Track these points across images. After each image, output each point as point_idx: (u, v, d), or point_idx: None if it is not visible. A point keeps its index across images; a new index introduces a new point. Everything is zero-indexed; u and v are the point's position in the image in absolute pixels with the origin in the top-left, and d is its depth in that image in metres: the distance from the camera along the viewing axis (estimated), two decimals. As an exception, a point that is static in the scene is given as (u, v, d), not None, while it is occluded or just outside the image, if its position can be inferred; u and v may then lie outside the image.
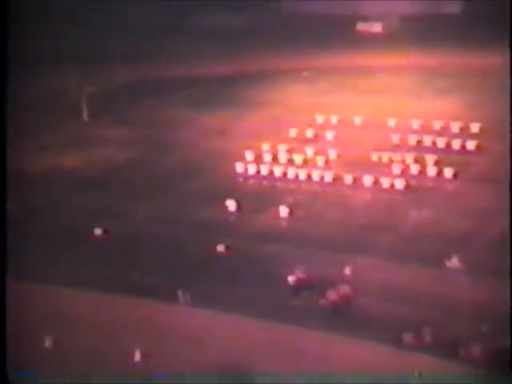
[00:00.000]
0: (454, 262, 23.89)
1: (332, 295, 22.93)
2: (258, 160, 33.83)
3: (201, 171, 33.56)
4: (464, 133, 33.94)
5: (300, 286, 23.45)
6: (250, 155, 34.25)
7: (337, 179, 31.20)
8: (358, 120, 37.10)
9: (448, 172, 30.45)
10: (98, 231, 28.23)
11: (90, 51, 49.51)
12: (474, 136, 33.45)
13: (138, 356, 20.66)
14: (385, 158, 32.37)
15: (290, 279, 23.67)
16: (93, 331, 22.06)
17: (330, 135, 35.81)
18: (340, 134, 35.77)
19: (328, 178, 31.50)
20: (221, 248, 26.57)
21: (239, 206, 29.54)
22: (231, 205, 29.65)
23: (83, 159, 35.76)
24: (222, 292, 23.75)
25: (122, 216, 29.53)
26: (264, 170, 32.90)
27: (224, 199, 29.78)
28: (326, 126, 36.86)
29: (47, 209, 30.37)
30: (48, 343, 21.43)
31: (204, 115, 40.44)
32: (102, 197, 31.31)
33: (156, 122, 40.15)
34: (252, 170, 33.11)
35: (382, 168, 31.48)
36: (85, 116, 40.92)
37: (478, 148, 32.49)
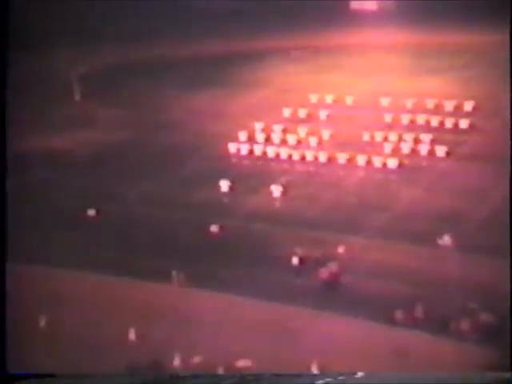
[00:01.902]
0: (446, 239, 24.12)
1: (323, 273, 23.15)
2: (251, 140, 33.83)
3: (193, 152, 33.50)
4: (457, 111, 33.97)
5: (303, 265, 23.64)
6: (243, 135, 34.24)
7: (330, 159, 31.26)
8: (350, 99, 37.02)
9: (440, 151, 30.53)
10: (91, 212, 28.26)
11: (81, 32, 48.94)
12: (467, 114, 33.49)
13: (132, 335, 20.87)
14: (378, 137, 32.40)
15: (295, 260, 23.80)
16: (86, 312, 22.22)
17: (323, 115, 35.78)
18: (333, 113, 35.74)
19: (321, 157, 31.55)
20: (214, 228, 26.69)
21: (232, 187, 29.61)
22: (224, 185, 29.71)
23: (75, 140, 35.60)
24: (216, 272, 23.93)
25: (115, 197, 29.54)
26: (257, 151, 32.92)
27: (217, 180, 29.81)
28: (319, 105, 36.79)
29: (39, 190, 30.32)
30: (42, 324, 21.59)
31: (196, 96, 40.21)
32: (94, 178, 31.26)
33: (148, 103, 39.89)
34: (245, 150, 33.12)
35: (375, 147, 31.53)
36: (76, 97, 40.59)
37: (471, 126, 32.56)
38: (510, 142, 28.62)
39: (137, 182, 30.65)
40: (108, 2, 54.30)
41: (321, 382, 19.17)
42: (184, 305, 22.43)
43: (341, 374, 19.80)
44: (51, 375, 20.07)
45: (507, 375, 18.89)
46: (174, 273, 23.61)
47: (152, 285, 23.32)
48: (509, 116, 32.86)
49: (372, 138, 32.45)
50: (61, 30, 46.78)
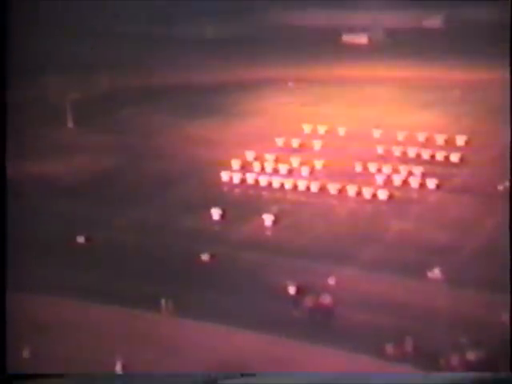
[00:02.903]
0: (436, 272, 24.04)
1: (314, 304, 22.94)
2: (244, 169, 33.90)
3: (186, 179, 33.48)
4: (448, 145, 34.32)
5: (294, 296, 23.41)
6: (235, 164, 34.32)
7: (322, 189, 31.34)
8: (343, 130, 37.36)
9: (431, 183, 30.72)
10: (80, 239, 27.99)
11: (76, 59, 49.36)
12: (458, 148, 33.84)
13: (119, 367, 20.45)
14: (369, 168, 32.59)
15: (288, 290, 23.56)
16: (75, 339, 21.80)
17: (316, 145, 36.02)
18: (326, 144, 35.99)
19: (313, 187, 31.62)
20: (205, 257, 26.49)
21: (224, 215, 29.51)
22: (216, 213, 29.63)
23: (67, 166, 35.50)
24: (206, 301, 23.63)
25: (106, 224, 29.31)
26: (249, 179, 32.97)
27: (209, 207, 29.70)
28: (312, 135, 37.07)
29: (30, 216, 30.05)
30: (26, 353, 21.07)
31: (190, 124, 40.45)
32: (85, 204, 31.06)
33: (140, 130, 40.07)
34: (237, 178, 33.17)
35: (367, 178, 31.67)
36: (69, 123, 40.71)
37: (462, 160, 32.86)
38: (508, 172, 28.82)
39: (127, 208, 30.50)
40: (102, 31, 55.00)
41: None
42: (172, 333, 22.07)
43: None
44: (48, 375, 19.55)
45: (507, 375, 18.67)
46: (162, 301, 23.29)
47: (140, 313, 22.95)
48: (499, 151, 33.30)
49: (364, 169, 32.66)
50: (55, 58, 47.18)
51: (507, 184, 29.39)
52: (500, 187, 29.37)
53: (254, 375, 19.59)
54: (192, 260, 26.24)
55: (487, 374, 18.76)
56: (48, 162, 35.92)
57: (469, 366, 19.64)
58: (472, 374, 18.82)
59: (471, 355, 19.87)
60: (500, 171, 30.68)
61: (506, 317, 21.30)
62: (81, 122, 40.65)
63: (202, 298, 23.79)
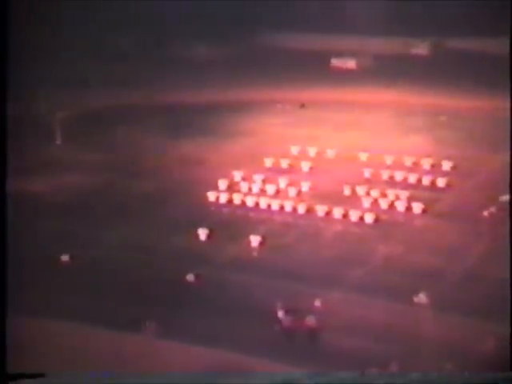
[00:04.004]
0: (422, 297, 24.04)
1: (300, 326, 22.78)
2: (231, 189, 33.86)
3: (173, 199, 33.32)
4: (435, 170, 34.64)
5: (281, 318, 23.20)
6: (222, 184, 34.29)
7: (309, 210, 31.38)
8: (331, 153, 37.61)
9: (417, 207, 30.90)
10: (64, 257, 27.61)
11: (66, 75, 49.33)
12: (444, 173, 34.17)
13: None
14: (357, 191, 32.74)
15: (275, 313, 23.31)
16: (57, 360, 21.33)
17: (305, 167, 36.16)
18: (313, 166, 36.16)
19: (300, 209, 31.65)
20: (190, 277, 26.25)
21: (210, 235, 29.36)
22: (203, 233, 29.46)
23: (55, 184, 35.19)
24: (191, 322, 23.35)
25: (91, 243, 28.96)
26: (237, 200, 32.92)
27: (195, 228, 29.53)
28: (300, 157, 37.25)
29: (15, 233, 29.63)
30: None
31: (178, 143, 40.41)
32: (72, 222, 30.71)
33: (128, 149, 39.92)
34: (224, 199, 33.10)
35: (354, 201, 31.80)
36: (58, 140, 40.48)
37: (448, 185, 33.15)
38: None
39: (113, 228, 30.20)
40: (93, 48, 55.12)
41: None
42: (156, 357, 21.71)
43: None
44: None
45: (507, 375, 18.50)
46: (146, 323, 22.95)
47: (123, 335, 22.57)
48: (484, 177, 33.70)
49: (351, 191, 32.79)
50: (44, 75, 47.12)
51: (493, 210, 29.67)
52: (485, 213, 29.62)
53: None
54: (177, 280, 25.96)
55: (487, 374, 18.56)
56: (35, 179, 35.60)
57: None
58: (472, 374, 18.66)
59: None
60: (485, 197, 31.01)
61: (490, 343, 21.31)
62: (69, 140, 40.44)
63: (186, 319, 23.49)
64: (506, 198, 30.42)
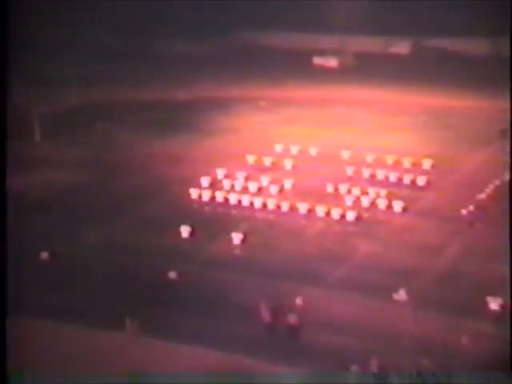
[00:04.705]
0: (402, 294, 24.29)
1: (281, 323, 22.87)
2: (213, 186, 33.81)
3: (154, 196, 33.12)
4: (415, 168, 34.97)
5: (263, 315, 23.24)
6: (205, 181, 34.20)
7: (291, 208, 31.46)
8: (313, 151, 37.74)
9: (397, 206, 31.19)
10: (44, 255, 27.30)
11: (44, 72, 48.69)
12: (424, 172, 34.51)
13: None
14: (339, 189, 32.90)
15: (259, 309, 23.29)
16: (38, 359, 21.11)
17: (288, 164, 36.25)
18: (296, 164, 36.25)
19: (282, 207, 31.70)
20: (173, 275, 26.16)
21: (193, 233, 29.27)
22: (185, 231, 29.36)
23: (34, 181, 34.75)
24: (173, 319, 23.27)
25: (71, 240, 28.67)
26: (219, 197, 32.87)
27: (178, 225, 29.41)
28: (283, 155, 37.31)
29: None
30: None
31: (160, 140, 40.20)
32: (51, 220, 30.39)
33: (109, 146, 39.59)
34: (206, 196, 33.03)
35: (336, 199, 31.97)
36: (36, 137, 39.93)
37: (428, 183, 33.49)
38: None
39: (94, 225, 29.90)
40: (71, 45, 54.35)
41: None
42: (137, 354, 21.61)
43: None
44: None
45: (507, 375, 18.77)
46: (128, 320, 22.82)
47: (104, 333, 22.42)
48: (463, 176, 34.14)
49: (333, 189, 32.95)
50: (23, 71, 46.40)
51: (471, 208, 30.08)
52: (464, 211, 30.02)
53: None
54: (160, 278, 25.84)
55: (487, 374, 18.78)
56: (14, 176, 35.01)
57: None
58: (471, 374, 18.85)
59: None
60: (464, 196, 31.42)
61: (466, 340, 21.61)
62: (48, 136, 39.93)
63: (168, 317, 23.41)
64: (483, 196, 30.87)
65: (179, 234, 29.23)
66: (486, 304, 23.35)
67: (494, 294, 23.55)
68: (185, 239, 29.11)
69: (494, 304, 23.23)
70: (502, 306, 22.80)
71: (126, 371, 20.25)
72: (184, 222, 29.55)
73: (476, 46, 55.02)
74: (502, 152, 36.16)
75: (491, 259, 26.24)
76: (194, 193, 33.03)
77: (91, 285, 25.33)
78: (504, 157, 35.15)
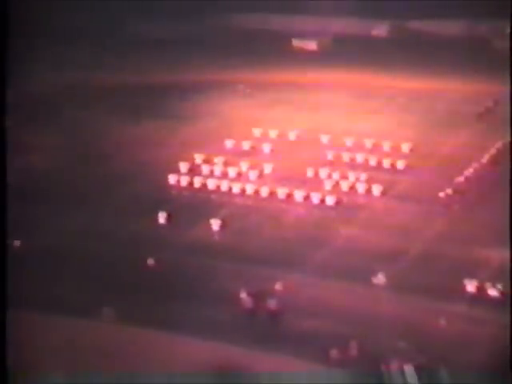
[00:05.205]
0: (381, 278, 24.52)
1: (261, 309, 22.93)
2: (192, 172, 33.56)
3: (132, 182, 32.76)
4: (394, 152, 35.12)
5: (242, 301, 23.24)
6: (183, 166, 33.93)
7: (270, 193, 31.41)
8: (292, 135, 37.64)
9: (376, 189, 31.33)
10: (16, 243, 26.85)
11: (17, 56, 47.46)
12: (403, 155, 34.68)
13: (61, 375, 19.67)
14: (318, 173, 32.90)
15: (238, 295, 23.26)
16: (11, 351, 20.82)
17: (266, 148, 36.12)
18: (275, 148, 36.14)
19: (262, 192, 31.63)
20: (151, 262, 26.01)
21: (171, 219, 29.09)
22: (162, 217, 29.15)
23: (5, 167, 33.97)
24: (151, 307, 23.17)
25: (45, 228, 28.29)
26: (197, 183, 32.66)
27: (155, 211, 29.18)
28: (262, 139, 37.16)
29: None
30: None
31: (138, 125, 39.69)
32: (23, 207, 29.87)
33: (86, 131, 38.94)
34: (185, 181, 32.78)
35: (316, 183, 32.00)
36: (8, 122, 38.96)
37: (407, 167, 33.67)
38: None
39: (69, 212, 29.49)
40: (45, 27, 53.07)
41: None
42: (116, 343, 21.47)
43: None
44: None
45: (507, 375, 18.97)
46: (105, 309, 22.63)
47: (81, 321, 22.20)
48: (441, 159, 34.40)
49: (312, 174, 32.96)
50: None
51: (449, 191, 30.36)
52: (441, 194, 30.29)
53: None
54: (137, 265, 25.67)
55: (487, 374, 19.00)
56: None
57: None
58: (471, 374, 19.08)
59: (413, 360, 20.31)
60: (442, 179, 31.70)
61: (444, 322, 21.93)
62: (20, 123, 39.09)
63: (146, 304, 23.29)
64: (461, 179, 31.18)
65: (157, 220, 29.00)
66: (463, 286, 23.67)
67: (472, 276, 23.88)
68: (162, 225, 28.91)
69: (470, 286, 23.55)
70: (502, 294, 22.89)
71: (122, 369, 20.03)
72: (162, 208, 29.34)
73: (455, 28, 55.18)
74: (479, 135, 36.54)
75: (469, 242, 26.59)
76: (172, 178, 32.76)
77: (66, 273, 25.04)
78: (481, 140, 35.53)
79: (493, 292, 23.03)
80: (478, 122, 38.55)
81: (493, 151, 33.85)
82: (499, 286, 22.96)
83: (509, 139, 34.70)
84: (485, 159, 33.05)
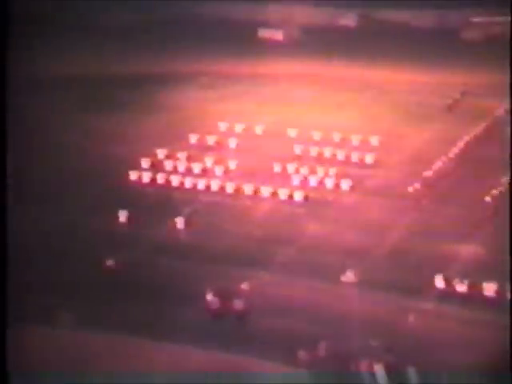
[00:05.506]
0: (350, 276, 24.80)
1: (227, 310, 22.93)
2: (154, 168, 33.26)
3: (91, 179, 32.24)
4: (363, 146, 35.53)
5: (208, 302, 23.19)
6: (145, 162, 33.60)
7: (237, 190, 31.39)
8: (259, 129, 37.67)
9: (345, 184, 31.66)
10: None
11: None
12: (372, 149, 35.12)
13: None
14: (286, 168, 32.99)
15: (203, 296, 23.17)
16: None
17: (231, 143, 36.05)
18: (241, 142, 36.11)
19: (227, 188, 31.59)
20: (110, 263, 25.71)
21: (132, 217, 28.78)
22: (123, 215, 28.83)
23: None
24: (111, 310, 22.90)
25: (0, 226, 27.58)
26: (160, 179, 32.39)
27: (115, 209, 28.84)
28: (227, 134, 37.07)
29: None
30: None
31: (97, 119, 39.07)
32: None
33: (42, 124, 38.18)
34: (147, 178, 32.48)
35: (283, 179, 32.12)
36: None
37: (376, 161, 34.12)
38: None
39: (24, 209, 28.90)
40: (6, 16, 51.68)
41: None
42: (75, 349, 21.16)
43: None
44: None
45: (507, 375, 19.30)
46: (64, 314, 22.25)
47: (37, 328, 21.79)
48: (410, 153, 34.98)
49: (280, 169, 33.07)
50: None
51: (417, 186, 30.91)
52: (410, 189, 30.80)
53: None
54: (96, 267, 25.32)
55: (486, 375, 19.32)
56: None
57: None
58: (471, 374, 19.38)
59: (385, 358, 20.62)
60: (410, 173, 32.22)
61: (412, 318, 22.36)
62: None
63: (106, 308, 23.01)
64: (429, 173, 31.77)
65: (117, 219, 28.66)
66: (433, 282, 24.14)
67: (442, 271, 24.37)
68: (123, 224, 28.58)
69: (440, 282, 24.05)
70: (498, 293, 23.20)
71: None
72: (122, 206, 28.98)
73: (424, 18, 56.04)
74: (447, 127, 37.29)
75: (438, 237, 27.12)
76: (133, 175, 32.41)
77: (21, 275, 24.49)
78: (449, 133, 36.27)
79: (461, 288, 23.57)
80: (446, 114, 39.34)
81: (461, 144, 34.59)
82: (466, 281, 23.52)
83: (475, 132, 35.56)
84: (453, 153, 33.75)
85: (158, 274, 25.15)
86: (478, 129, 35.89)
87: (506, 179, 30.28)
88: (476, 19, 53.02)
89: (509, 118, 37.05)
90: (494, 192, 29.37)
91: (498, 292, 23.14)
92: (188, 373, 19.92)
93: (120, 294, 23.77)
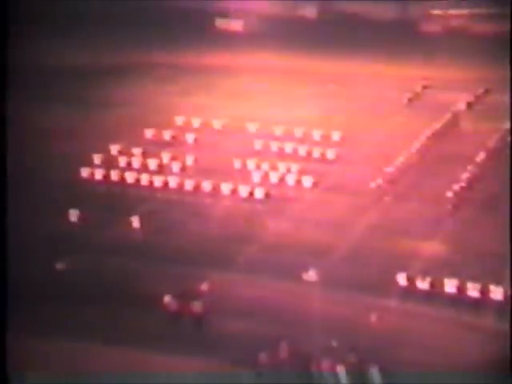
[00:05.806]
0: (312, 274, 25.05)
1: (185, 312, 22.87)
2: (107, 164, 32.83)
3: (40, 176, 31.62)
4: (324, 141, 35.90)
5: (165, 304, 23.04)
6: (97, 158, 33.12)
7: (195, 187, 31.28)
8: (217, 124, 37.60)
9: (307, 181, 31.95)
10: None
11: None
12: (333, 144, 35.52)
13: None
14: (246, 164, 33.07)
15: (160, 298, 22.98)
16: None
17: (189, 138, 35.87)
18: (199, 138, 35.97)
19: (185, 185, 31.45)
20: (61, 265, 25.26)
21: (84, 216, 28.36)
22: (74, 215, 28.38)
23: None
24: (64, 315, 22.54)
25: None
26: (114, 176, 32.00)
27: (66, 208, 28.37)
28: (184, 128, 36.86)
29: None
30: None
31: (46, 113, 38.30)
32: None
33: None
34: (100, 175, 32.04)
35: (243, 175, 32.17)
36: None
37: (338, 157, 34.54)
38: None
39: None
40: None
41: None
42: (19, 355, 20.73)
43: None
44: None
45: (507, 375, 19.55)
46: (11, 319, 21.72)
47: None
48: (372, 148, 35.54)
49: (240, 165, 33.12)
50: None
51: (380, 182, 31.43)
52: (372, 185, 31.31)
53: None
54: (46, 269, 24.86)
55: (486, 375, 19.61)
56: None
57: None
58: (471, 375, 19.65)
59: (347, 357, 20.95)
60: (372, 169, 32.75)
61: (375, 317, 22.77)
62: None
63: (58, 312, 22.62)
64: (391, 169, 32.35)
65: (68, 218, 28.18)
66: (395, 280, 24.64)
67: (404, 269, 24.89)
68: (75, 224, 28.13)
69: (403, 280, 24.56)
70: (459, 290, 23.59)
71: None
72: (73, 205, 28.50)
73: (384, 10, 56.90)
74: (408, 122, 38.02)
75: (400, 234, 27.68)
76: (84, 172, 31.91)
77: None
78: (410, 127, 36.98)
79: (423, 285, 24.13)
80: (407, 108, 40.10)
81: (422, 139, 35.35)
82: (429, 279, 24.09)
83: (436, 127, 36.41)
84: (414, 148, 34.46)
85: (113, 277, 24.85)
86: (439, 123, 36.73)
87: (465, 175, 31.12)
88: (436, 11, 54.19)
89: (469, 111, 38.10)
90: (455, 187, 30.15)
91: (459, 288, 23.78)
92: (188, 373, 19.72)
93: (73, 299, 23.38)
